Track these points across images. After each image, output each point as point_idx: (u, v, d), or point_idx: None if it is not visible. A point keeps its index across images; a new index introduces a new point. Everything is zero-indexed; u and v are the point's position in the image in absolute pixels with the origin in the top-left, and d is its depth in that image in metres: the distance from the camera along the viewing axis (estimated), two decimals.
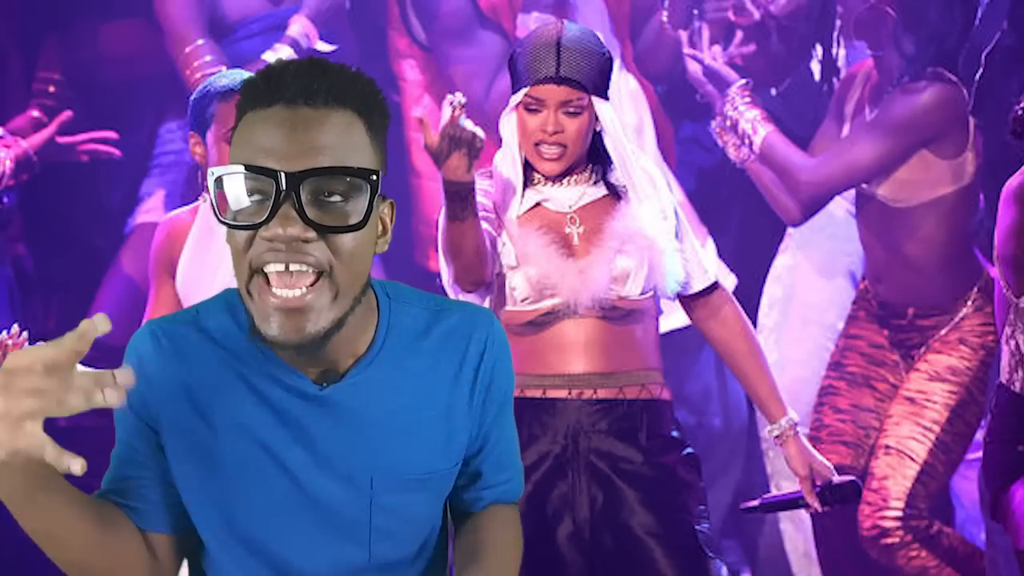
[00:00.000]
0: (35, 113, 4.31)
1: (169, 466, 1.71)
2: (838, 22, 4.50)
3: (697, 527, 2.91)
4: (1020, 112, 3.04)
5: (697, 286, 3.05)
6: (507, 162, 2.97)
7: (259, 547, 1.73)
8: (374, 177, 1.62)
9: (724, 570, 2.94)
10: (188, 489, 1.72)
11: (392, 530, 1.76)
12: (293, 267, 1.59)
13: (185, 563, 1.84)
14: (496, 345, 1.82)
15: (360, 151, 1.62)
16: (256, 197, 1.60)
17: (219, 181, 1.61)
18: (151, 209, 4.45)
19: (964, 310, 4.10)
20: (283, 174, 1.57)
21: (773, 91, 4.64)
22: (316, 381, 1.71)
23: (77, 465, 1.40)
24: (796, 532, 4.46)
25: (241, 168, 1.59)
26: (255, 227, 1.59)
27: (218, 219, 1.61)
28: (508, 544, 1.91)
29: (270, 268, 1.60)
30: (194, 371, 1.70)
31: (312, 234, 1.58)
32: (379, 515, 1.74)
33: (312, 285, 1.60)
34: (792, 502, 3.13)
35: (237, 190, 1.60)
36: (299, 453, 1.71)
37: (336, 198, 1.60)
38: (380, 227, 1.69)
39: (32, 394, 1.40)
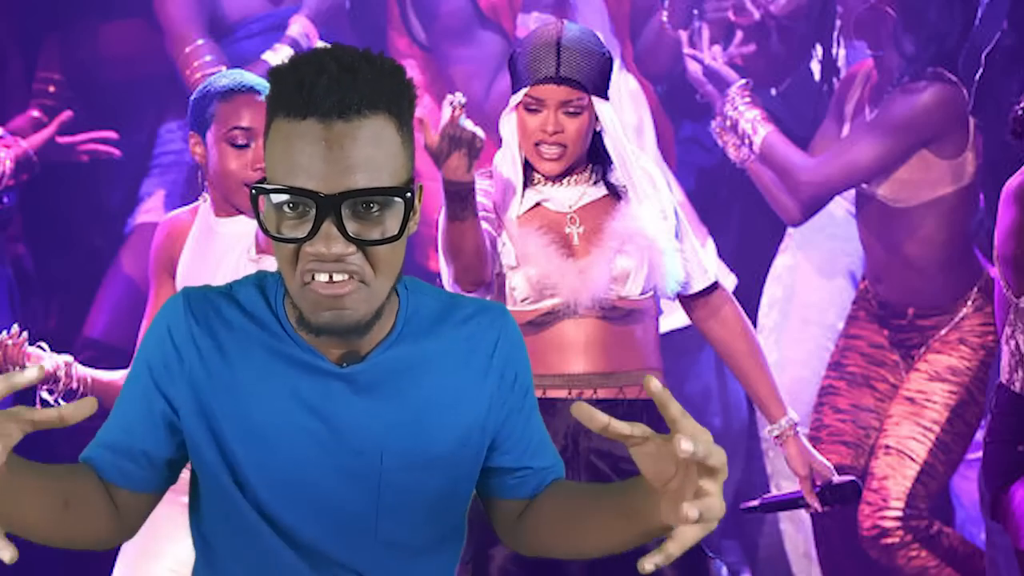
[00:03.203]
0: (35, 113, 4.31)
1: (182, 430, 1.77)
2: (838, 22, 4.50)
3: None
4: (1020, 112, 3.05)
5: (697, 286, 3.05)
6: (507, 162, 2.97)
7: (267, 512, 1.77)
8: (409, 194, 1.70)
9: (724, 570, 2.94)
10: (201, 451, 1.77)
11: (400, 509, 1.79)
12: (337, 277, 1.68)
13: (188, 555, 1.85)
14: (509, 335, 1.87)
15: (394, 157, 1.69)
16: (298, 211, 1.68)
17: (260, 193, 1.69)
18: (151, 209, 4.45)
19: (964, 310, 4.10)
20: (323, 195, 1.65)
21: (773, 91, 4.64)
22: (336, 363, 1.77)
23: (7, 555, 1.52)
24: (796, 532, 4.46)
25: (282, 188, 1.67)
26: (299, 242, 1.67)
27: (264, 230, 1.70)
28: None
29: (317, 276, 1.69)
30: (222, 335, 1.78)
31: (353, 248, 1.67)
32: (387, 492, 1.78)
33: (352, 282, 1.69)
34: (792, 502, 3.13)
35: (279, 204, 1.69)
36: (315, 424, 1.76)
37: (374, 209, 1.68)
38: None
39: None
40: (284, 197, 1.67)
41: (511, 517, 1.91)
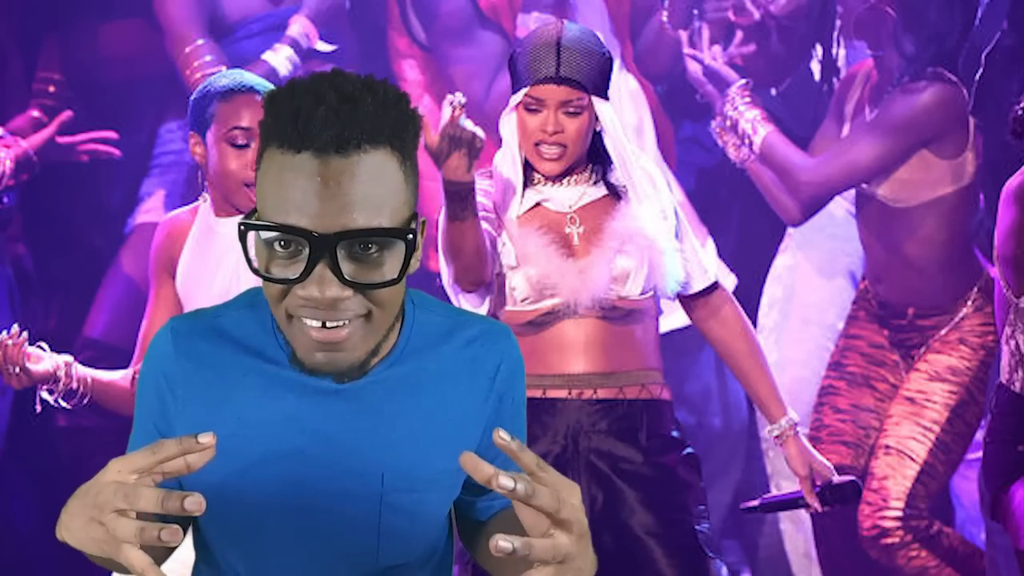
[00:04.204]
0: (35, 113, 4.31)
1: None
2: (838, 22, 4.50)
3: (697, 527, 2.91)
4: (1020, 112, 3.05)
5: (697, 286, 3.05)
6: (507, 162, 2.97)
7: (269, 538, 1.73)
8: (410, 236, 1.59)
9: (724, 570, 2.94)
10: (201, 480, 1.71)
11: (400, 531, 1.76)
12: (330, 324, 1.59)
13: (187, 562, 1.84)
14: (511, 360, 1.82)
15: (395, 194, 1.59)
16: (289, 250, 1.58)
17: (249, 229, 1.58)
18: (151, 209, 4.45)
19: (964, 310, 4.10)
20: (317, 235, 1.54)
21: (773, 91, 4.64)
22: (336, 380, 1.70)
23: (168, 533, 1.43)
24: (796, 532, 4.46)
25: (271, 226, 1.56)
26: (290, 283, 1.57)
27: (251, 268, 1.60)
28: None
29: (308, 322, 1.60)
30: (211, 371, 1.71)
31: (349, 292, 1.57)
32: (388, 514, 1.74)
33: (349, 323, 1.60)
34: (792, 502, 3.13)
35: (269, 241, 1.58)
36: (313, 449, 1.71)
37: (373, 250, 1.58)
38: None
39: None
40: (275, 234, 1.56)
41: (468, 530, 1.90)
